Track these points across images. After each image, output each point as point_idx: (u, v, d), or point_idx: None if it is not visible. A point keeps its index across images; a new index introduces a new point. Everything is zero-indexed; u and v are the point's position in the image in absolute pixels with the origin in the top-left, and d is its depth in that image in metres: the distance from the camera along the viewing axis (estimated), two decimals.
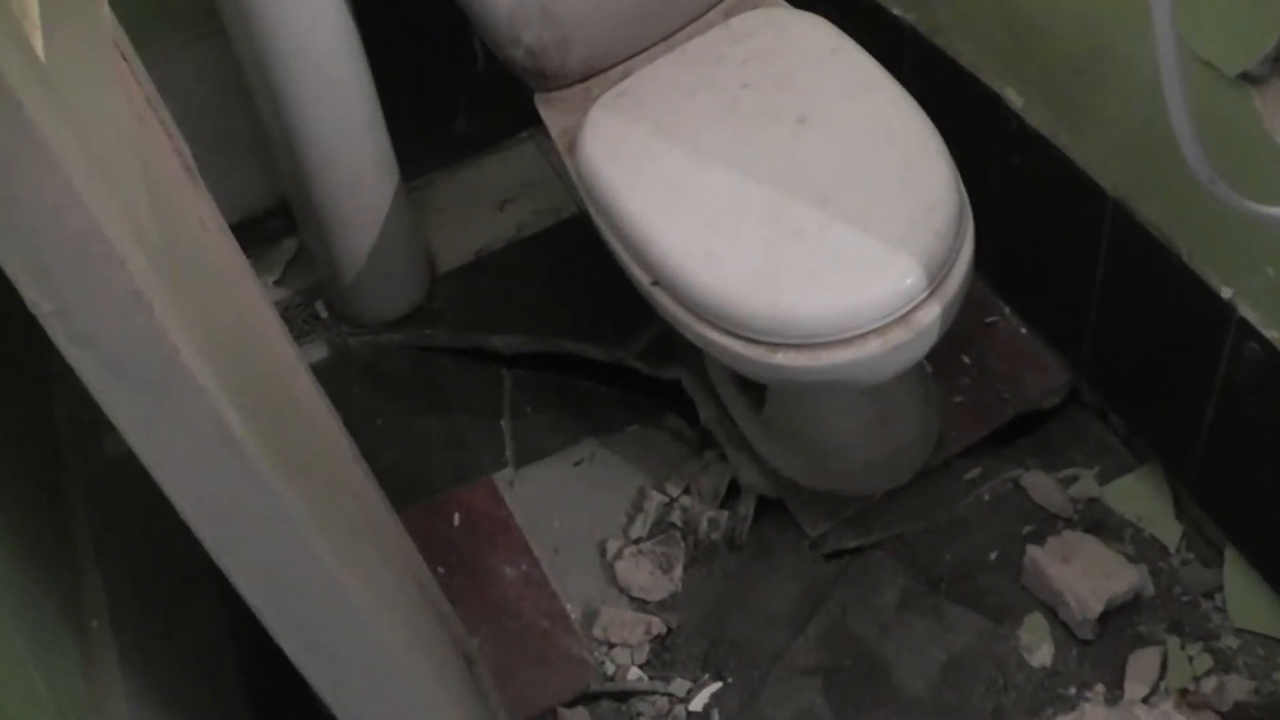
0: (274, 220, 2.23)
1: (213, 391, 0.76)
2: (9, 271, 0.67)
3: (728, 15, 1.80)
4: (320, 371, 1.83)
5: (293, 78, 1.82)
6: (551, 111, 1.77)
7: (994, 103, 1.78)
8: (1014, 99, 1.75)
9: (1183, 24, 1.41)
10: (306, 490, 0.95)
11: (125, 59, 1.27)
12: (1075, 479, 1.84)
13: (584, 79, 1.78)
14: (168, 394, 0.73)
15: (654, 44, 1.79)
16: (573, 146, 1.71)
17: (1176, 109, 1.13)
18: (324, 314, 2.18)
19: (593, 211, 1.68)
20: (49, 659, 0.89)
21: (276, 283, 2.21)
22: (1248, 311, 1.50)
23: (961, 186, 1.57)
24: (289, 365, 1.36)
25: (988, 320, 1.98)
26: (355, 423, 1.54)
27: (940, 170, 1.55)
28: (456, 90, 2.27)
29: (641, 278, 1.60)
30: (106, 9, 1.30)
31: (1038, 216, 1.82)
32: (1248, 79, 1.36)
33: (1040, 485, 1.84)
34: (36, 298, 0.68)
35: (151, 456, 0.75)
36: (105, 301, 0.69)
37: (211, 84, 2.03)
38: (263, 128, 1.96)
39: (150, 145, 1.17)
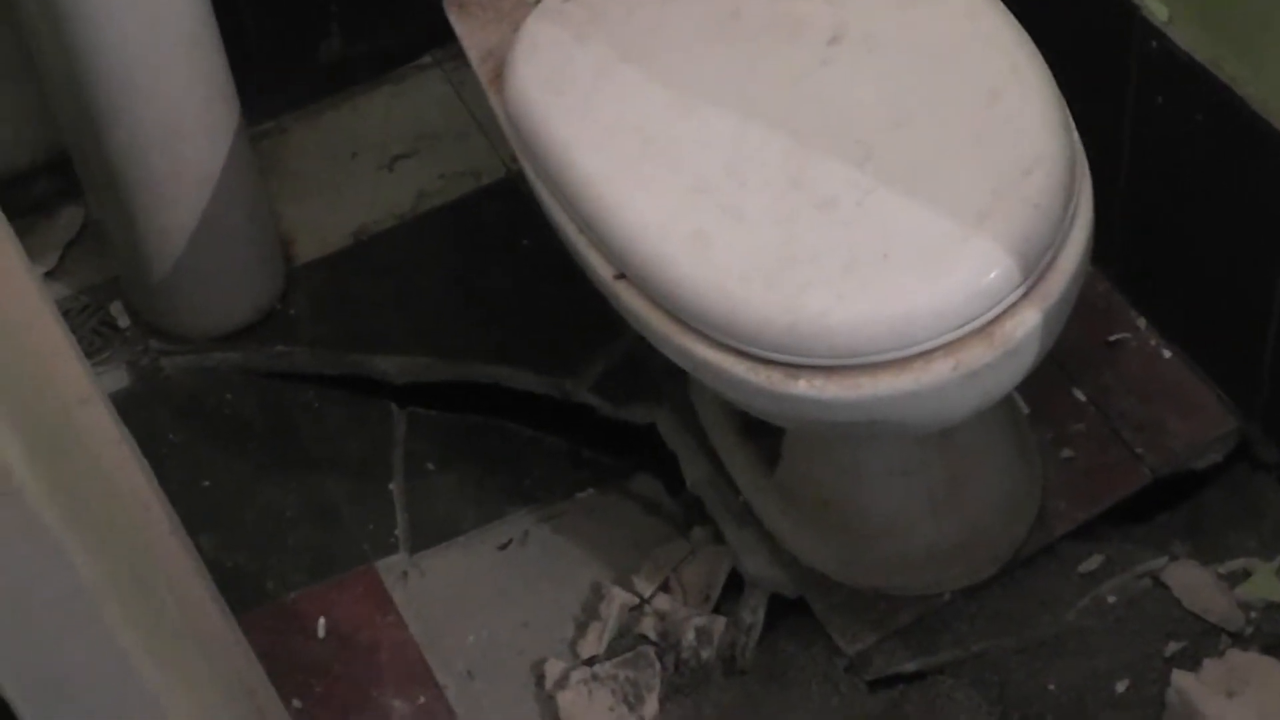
0: (46, 180, 2.28)
1: None
2: None
3: None
4: (117, 406, 1.87)
5: None
6: (469, 24, 1.83)
7: (1127, 12, 1.84)
8: (1157, 10, 1.82)
9: None
10: (105, 567, 1.00)
11: None
12: (1246, 574, 1.90)
13: None
14: None
15: None
16: (500, 76, 1.76)
17: None
18: (123, 322, 2.23)
19: (529, 171, 1.73)
20: None
21: (51, 274, 2.26)
22: None
23: (1075, 136, 1.62)
24: (77, 392, 1.40)
25: (1113, 338, 2.04)
26: (170, 484, 1.57)
27: (1041, 111, 1.60)
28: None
29: (600, 269, 1.65)
30: None
31: (1192, 183, 1.89)
32: None
33: (1193, 583, 1.89)
34: None
35: None
36: None
37: None
38: (28, 42, 2.01)
39: None
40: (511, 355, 2.12)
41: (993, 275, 1.51)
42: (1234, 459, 1.97)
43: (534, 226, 1.76)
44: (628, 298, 1.64)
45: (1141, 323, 2.05)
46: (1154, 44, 1.82)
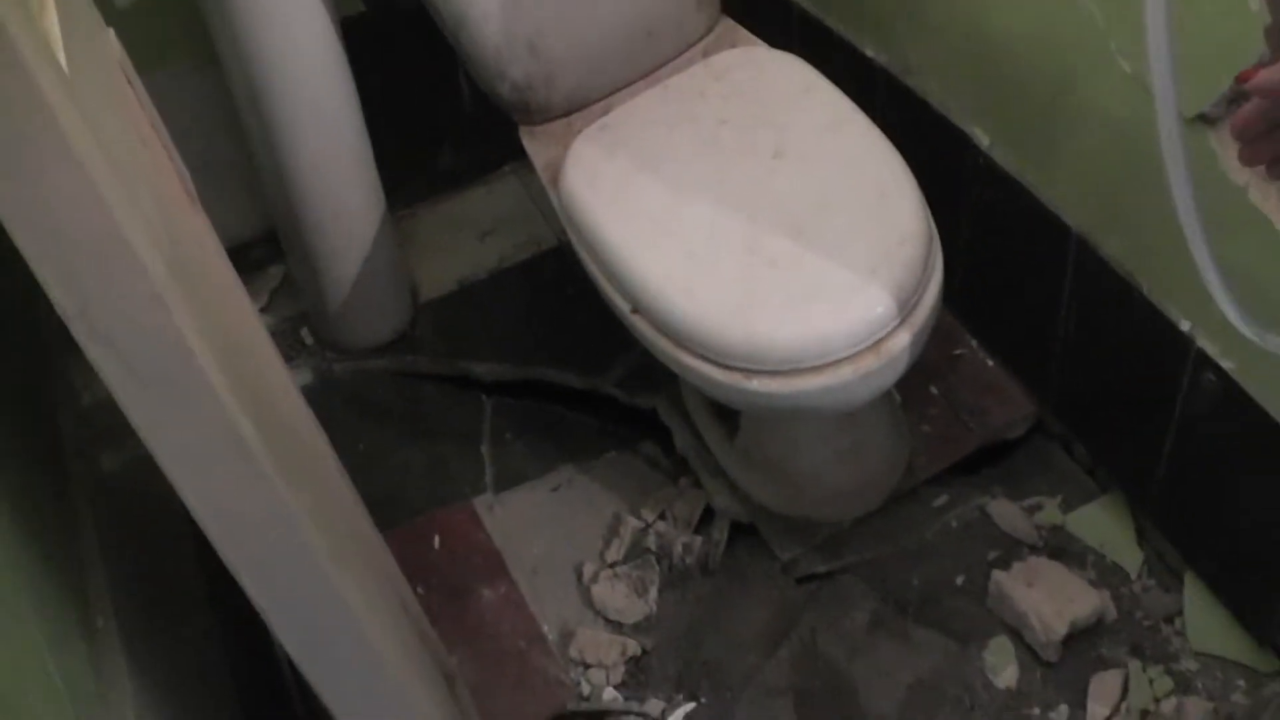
0: (261, 248, 2.27)
1: (225, 396, 0.80)
2: (38, 273, 0.71)
3: (707, 54, 1.85)
4: (305, 396, 1.87)
5: (284, 108, 1.87)
6: (536, 145, 1.82)
7: (962, 141, 1.83)
8: (981, 138, 1.81)
9: (1139, 63, 1.47)
10: (304, 497, 0.99)
11: (130, 82, 1.31)
12: (1040, 507, 1.89)
13: (567, 114, 1.83)
14: (183, 395, 0.77)
15: (636, 80, 1.84)
16: (556, 179, 1.75)
17: (1200, 253, 0.97)
18: (309, 341, 2.22)
19: (575, 241, 1.72)
20: (62, 653, 0.93)
21: (263, 310, 2.25)
22: (1205, 343, 1.56)
23: (931, 220, 1.62)
24: (282, 385, 1.39)
25: (955, 352, 2.03)
26: (338, 446, 1.58)
27: (911, 204, 1.60)
28: (442, 124, 2.32)
29: (622, 305, 1.64)
30: (112, 34, 1.35)
31: (1005, 251, 1.88)
32: (1204, 120, 1.41)
33: (1006, 513, 1.89)
34: (62, 298, 0.72)
35: (165, 455, 0.79)
36: (127, 304, 0.73)
37: (201, 110, 2.07)
38: (252, 157, 2.01)
39: (154, 166, 1.22)
40: (561, 362, 2.11)
41: (879, 310, 1.51)
42: (1032, 431, 1.97)
43: (577, 277, 1.75)
44: (639, 325, 1.63)
45: (974, 342, 2.05)
46: (980, 160, 1.82)
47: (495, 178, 2.42)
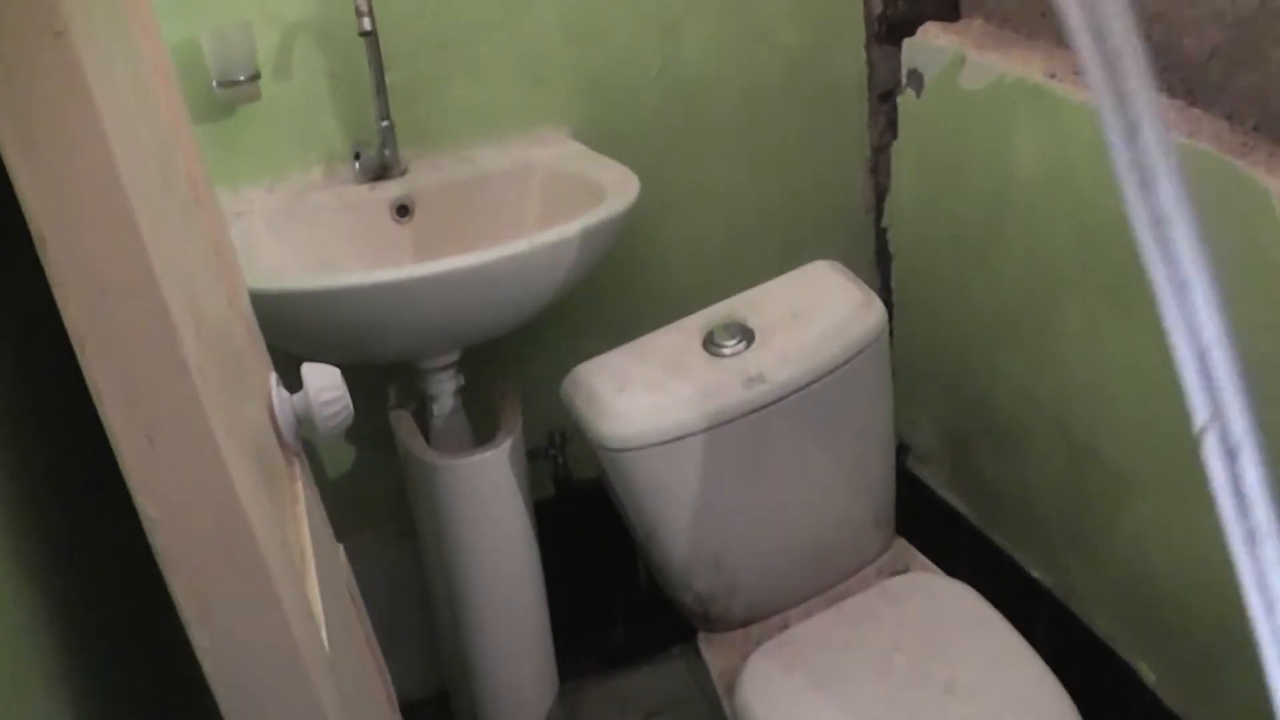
0: (431, 707, 2.32)
1: None
2: None
3: (881, 575, 1.93)
4: None
5: (474, 582, 1.96)
6: (712, 651, 1.89)
7: (1128, 676, 1.84)
8: (1147, 674, 1.82)
9: None
10: None
11: (353, 598, 1.42)
12: None
13: (745, 624, 1.90)
14: None
15: (813, 595, 1.92)
16: (731, 688, 1.80)
17: None
18: None
19: None
20: None
21: None
22: None
23: None
24: None
25: None
26: None
27: None
28: (617, 602, 2.41)
29: None
30: (341, 550, 1.46)
31: None
32: None
33: None
34: None
35: None
36: None
37: (389, 572, 2.20)
38: (434, 621, 2.10)
39: (366, 677, 1.29)
40: None
41: None
42: None
43: None
44: None
45: None
46: (1146, 696, 1.82)
47: (663, 659, 2.47)
